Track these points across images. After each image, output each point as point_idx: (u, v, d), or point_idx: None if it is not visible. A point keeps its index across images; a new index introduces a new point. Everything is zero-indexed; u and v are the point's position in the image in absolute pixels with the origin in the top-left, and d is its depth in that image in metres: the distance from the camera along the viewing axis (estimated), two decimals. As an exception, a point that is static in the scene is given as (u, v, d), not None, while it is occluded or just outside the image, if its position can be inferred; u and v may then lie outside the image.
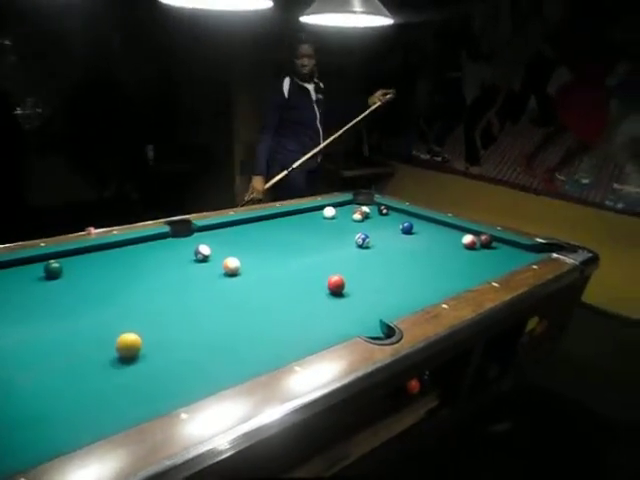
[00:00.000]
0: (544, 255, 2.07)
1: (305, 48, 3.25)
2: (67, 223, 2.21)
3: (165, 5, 1.83)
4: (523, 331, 1.80)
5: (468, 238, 2.21)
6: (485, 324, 1.54)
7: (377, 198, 2.88)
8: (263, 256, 2.04)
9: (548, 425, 2.42)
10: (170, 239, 2.18)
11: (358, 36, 3.75)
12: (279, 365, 1.20)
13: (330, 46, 3.94)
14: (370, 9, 1.81)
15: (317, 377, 1.18)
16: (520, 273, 1.85)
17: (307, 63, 3.26)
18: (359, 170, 4.71)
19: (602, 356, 2.99)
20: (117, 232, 2.13)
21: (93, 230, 2.09)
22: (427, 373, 1.61)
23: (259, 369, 1.18)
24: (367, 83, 4.87)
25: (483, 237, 2.23)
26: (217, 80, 4.46)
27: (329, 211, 2.59)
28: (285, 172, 3.32)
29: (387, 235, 2.33)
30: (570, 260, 2.00)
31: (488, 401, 1.82)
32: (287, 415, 1.06)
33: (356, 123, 3.38)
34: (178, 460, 0.90)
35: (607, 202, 3.50)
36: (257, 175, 3.32)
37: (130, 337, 1.27)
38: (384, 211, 2.68)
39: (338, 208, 2.67)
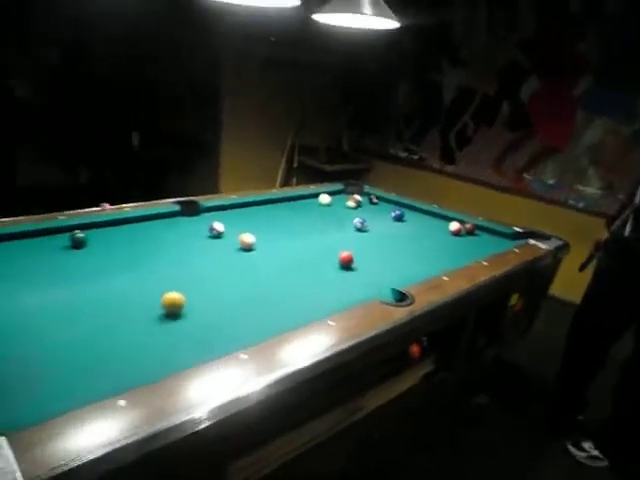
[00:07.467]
0: (522, 241, 2.32)
1: None
2: (52, 207, 2.16)
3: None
4: (507, 305, 2.03)
5: (455, 225, 2.43)
6: (478, 294, 1.76)
7: (366, 188, 3.07)
8: (271, 235, 2.17)
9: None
10: (180, 217, 2.30)
11: (340, 33, 3.88)
12: (310, 321, 1.36)
13: (311, 42, 4.01)
14: (379, 12, 1.98)
15: (347, 330, 1.35)
16: (504, 255, 2.08)
17: None
18: (339, 165, 4.88)
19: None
20: (129, 209, 2.23)
21: (108, 206, 2.19)
22: (425, 340, 1.81)
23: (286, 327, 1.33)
24: (345, 81, 5.06)
25: (468, 225, 2.46)
26: (205, 68, 4.52)
27: (325, 198, 2.74)
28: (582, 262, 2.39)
29: (380, 221, 2.53)
30: (544, 246, 2.25)
31: (476, 368, 2.04)
32: (317, 363, 1.21)
33: None
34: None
35: (570, 201, 3.83)
36: None
37: (174, 295, 1.41)
38: (374, 200, 2.87)
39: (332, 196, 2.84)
